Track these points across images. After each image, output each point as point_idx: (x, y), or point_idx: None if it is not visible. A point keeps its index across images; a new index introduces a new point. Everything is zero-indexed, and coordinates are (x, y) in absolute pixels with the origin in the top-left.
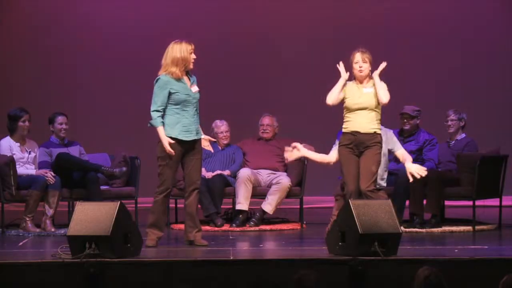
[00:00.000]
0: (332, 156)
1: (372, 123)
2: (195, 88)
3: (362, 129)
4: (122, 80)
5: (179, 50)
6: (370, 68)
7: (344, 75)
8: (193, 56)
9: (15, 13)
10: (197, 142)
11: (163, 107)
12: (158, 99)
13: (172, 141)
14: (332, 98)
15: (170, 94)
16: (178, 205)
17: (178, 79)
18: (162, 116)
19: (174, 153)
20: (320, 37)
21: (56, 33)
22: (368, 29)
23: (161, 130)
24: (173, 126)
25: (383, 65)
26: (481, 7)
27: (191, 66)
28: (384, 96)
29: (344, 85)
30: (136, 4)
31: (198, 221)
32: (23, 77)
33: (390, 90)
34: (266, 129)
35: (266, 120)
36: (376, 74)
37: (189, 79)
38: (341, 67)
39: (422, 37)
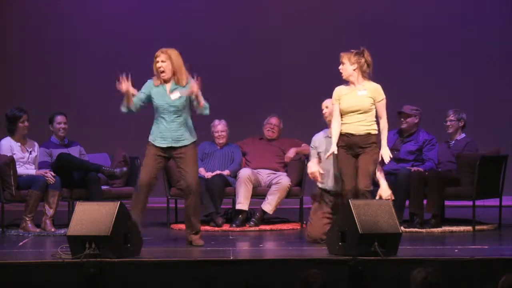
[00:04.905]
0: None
1: (366, 124)
2: (174, 95)
3: (356, 131)
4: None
5: None
6: (354, 67)
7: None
8: (158, 65)
9: (15, 12)
10: (182, 149)
11: (137, 100)
12: None
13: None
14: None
15: (152, 98)
16: (178, 205)
17: (157, 86)
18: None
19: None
20: (321, 37)
21: (56, 33)
22: (369, 29)
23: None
24: (153, 131)
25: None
26: (481, 7)
27: (160, 76)
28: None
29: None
30: (137, 4)
31: (195, 223)
32: (23, 77)
33: (390, 90)
34: (273, 129)
35: (274, 120)
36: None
37: (172, 86)
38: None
39: (422, 36)
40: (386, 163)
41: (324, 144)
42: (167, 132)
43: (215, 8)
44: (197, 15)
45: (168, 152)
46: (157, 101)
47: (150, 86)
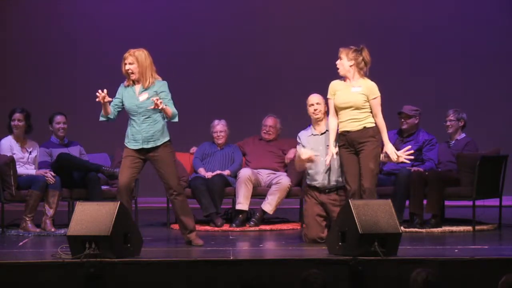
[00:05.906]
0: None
1: (359, 120)
2: (143, 97)
3: (351, 128)
4: (122, 80)
5: None
6: (351, 64)
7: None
8: (126, 67)
9: (15, 12)
10: (155, 151)
11: (112, 107)
12: None
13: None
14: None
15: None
16: None
17: (127, 87)
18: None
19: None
20: (321, 37)
21: (56, 33)
22: (369, 29)
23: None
24: (127, 133)
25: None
26: (481, 7)
27: (129, 77)
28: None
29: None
30: (137, 4)
31: (187, 222)
32: (23, 77)
33: (390, 90)
34: (269, 131)
35: (270, 121)
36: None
37: (141, 88)
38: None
39: (423, 36)
40: (394, 159)
41: (310, 143)
42: (138, 134)
43: (215, 8)
44: (197, 15)
45: (143, 154)
46: (126, 103)
47: (121, 90)
